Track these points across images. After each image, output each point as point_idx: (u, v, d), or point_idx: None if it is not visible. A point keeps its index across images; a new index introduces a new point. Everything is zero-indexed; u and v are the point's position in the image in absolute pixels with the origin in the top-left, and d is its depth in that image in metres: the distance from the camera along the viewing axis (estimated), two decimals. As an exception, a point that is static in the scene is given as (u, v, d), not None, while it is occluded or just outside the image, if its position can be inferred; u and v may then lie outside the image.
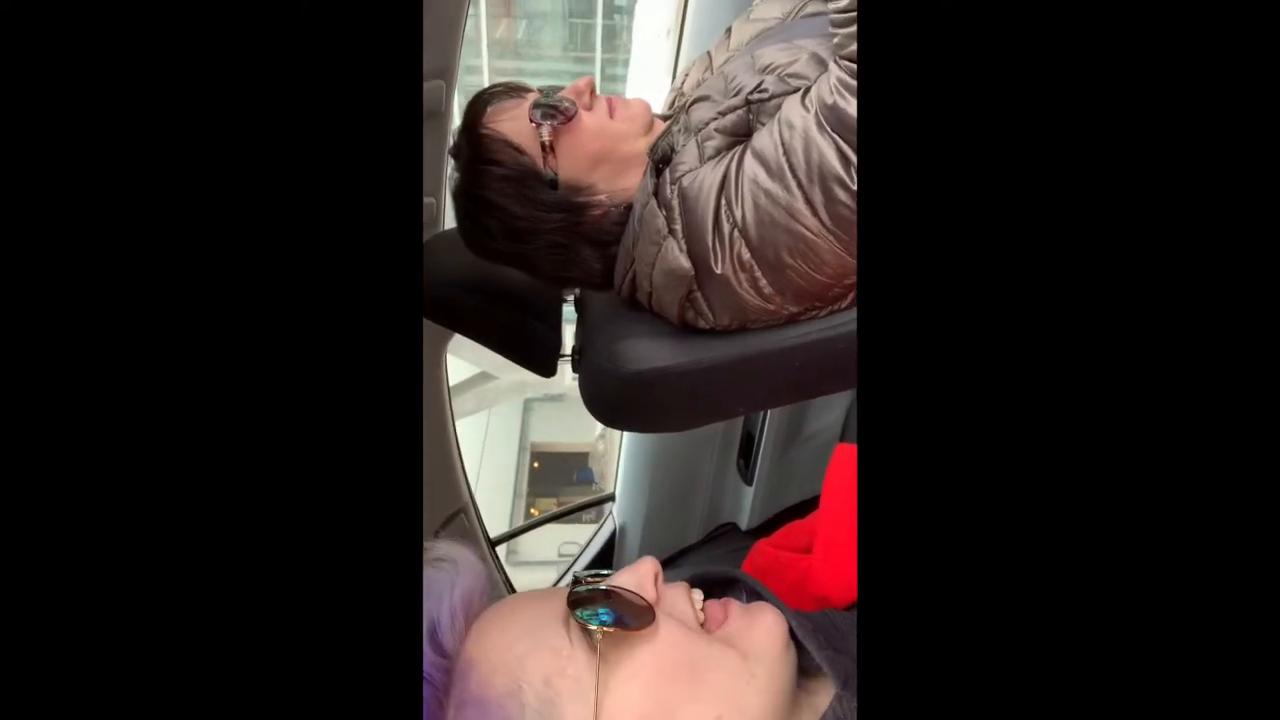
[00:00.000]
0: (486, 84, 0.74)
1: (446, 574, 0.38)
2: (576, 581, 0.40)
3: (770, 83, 0.62)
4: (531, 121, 0.67)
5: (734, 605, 0.39)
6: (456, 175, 0.71)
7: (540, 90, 0.70)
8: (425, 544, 0.38)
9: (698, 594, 0.40)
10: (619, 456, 1.50)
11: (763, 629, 0.37)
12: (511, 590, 1.28)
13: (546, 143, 0.66)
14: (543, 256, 0.69)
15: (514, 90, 0.71)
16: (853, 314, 0.65)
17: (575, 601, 0.37)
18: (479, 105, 0.70)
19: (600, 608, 0.36)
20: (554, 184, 0.67)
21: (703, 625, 0.38)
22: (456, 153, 0.71)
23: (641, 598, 0.37)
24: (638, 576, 0.39)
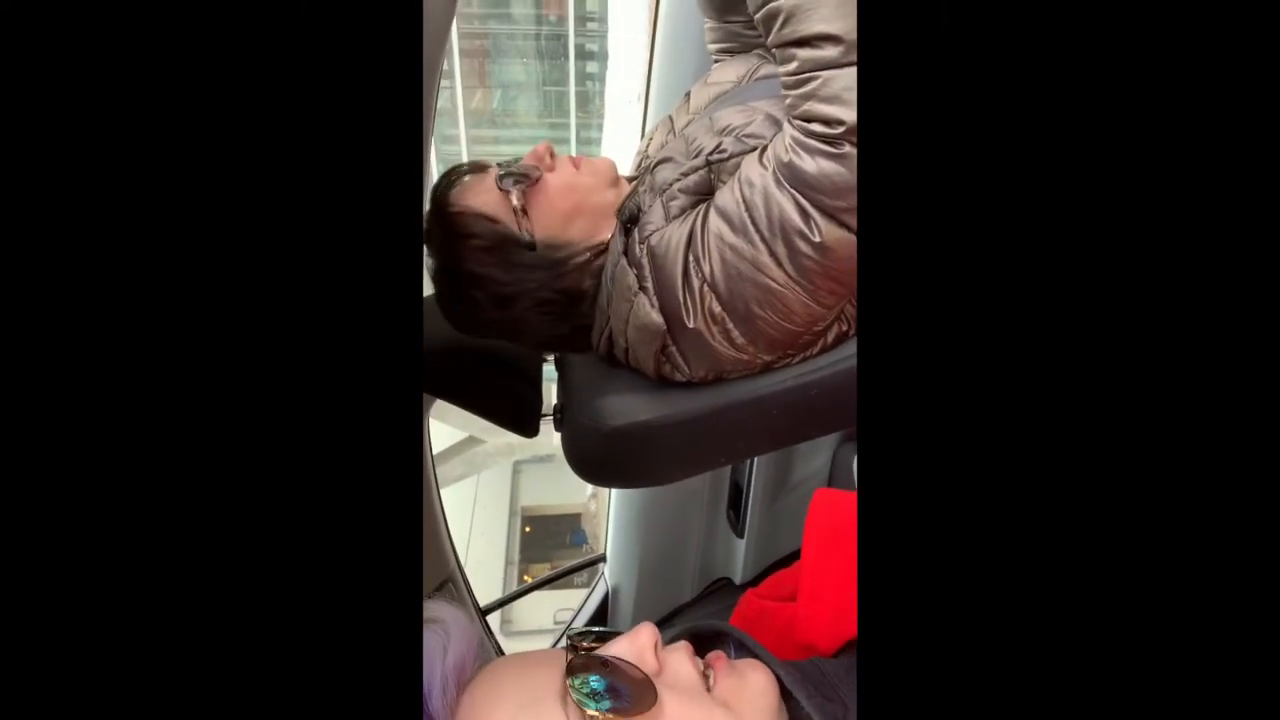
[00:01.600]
0: (465, 152, 0.76)
1: (438, 638, 0.37)
2: (572, 645, 0.38)
3: (729, 143, 0.65)
4: (500, 190, 0.69)
5: (722, 662, 0.38)
6: (432, 258, 0.72)
7: (499, 164, 0.73)
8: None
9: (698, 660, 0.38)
10: (608, 516, 1.48)
11: (755, 690, 0.37)
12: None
13: (518, 207, 0.68)
14: (531, 319, 0.70)
15: (474, 169, 0.73)
16: (823, 360, 0.66)
17: (572, 669, 0.36)
18: (444, 188, 0.72)
19: (598, 679, 0.35)
20: (532, 245, 0.69)
21: (707, 682, 0.37)
22: (429, 237, 0.72)
23: (641, 671, 0.36)
24: (637, 647, 0.37)
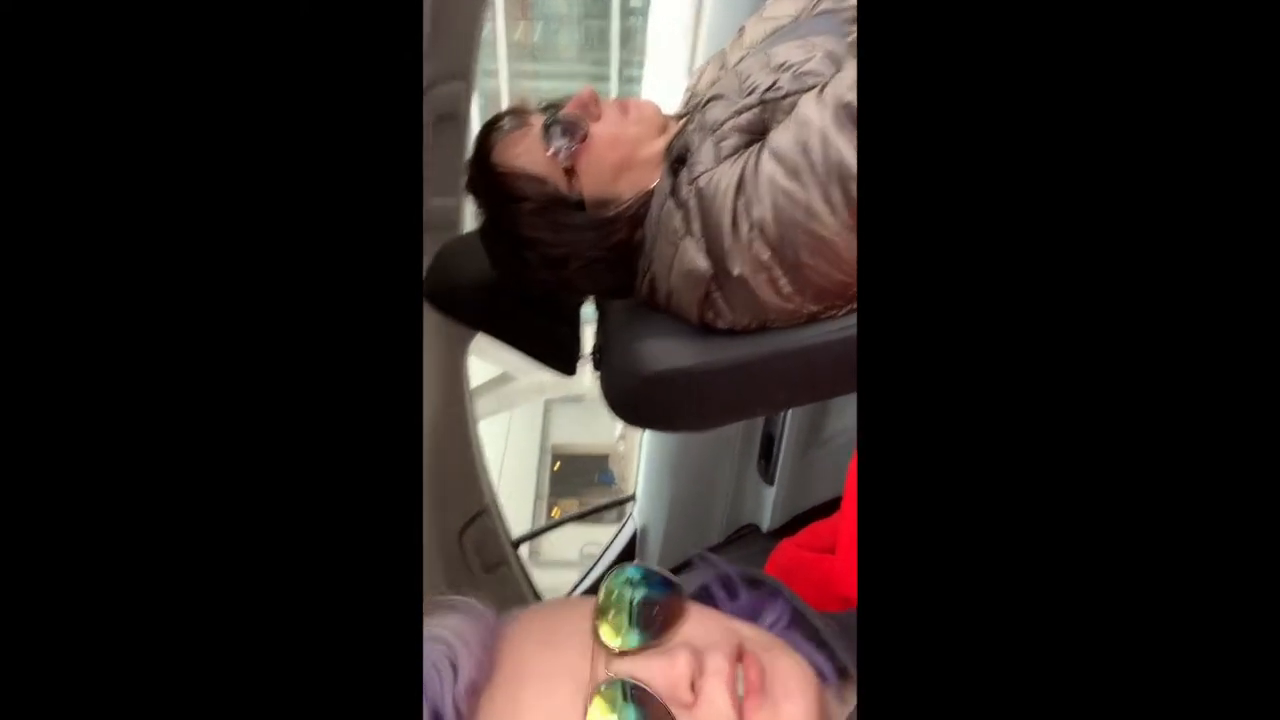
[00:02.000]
0: (504, 87, 0.74)
1: (445, 657, 0.34)
2: (599, 642, 0.35)
3: (785, 80, 0.62)
4: (548, 148, 0.67)
5: (757, 697, 0.34)
6: (480, 216, 0.71)
7: (542, 110, 0.70)
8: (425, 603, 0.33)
9: (738, 667, 0.34)
10: (639, 458, 1.50)
11: None
12: (533, 589, 1.29)
13: (567, 167, 0.66)
14: (584, 276, 0.70)
15: (517, 115, 0.71)
16: (873, 312, 0.65)
17: (597, 693, 0.33)
18: (487, 142, 0.70)
19: (624, 711, 0.33)
20: (581, 204, 0.67)
21: (741, 703, 0.34)
22: (474, 190, 0.71)
23: (670, 713, 0.33)
24: (672, 678, 0.34)
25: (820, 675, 0.38)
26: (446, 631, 0.35)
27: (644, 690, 0.34)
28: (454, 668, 0.34)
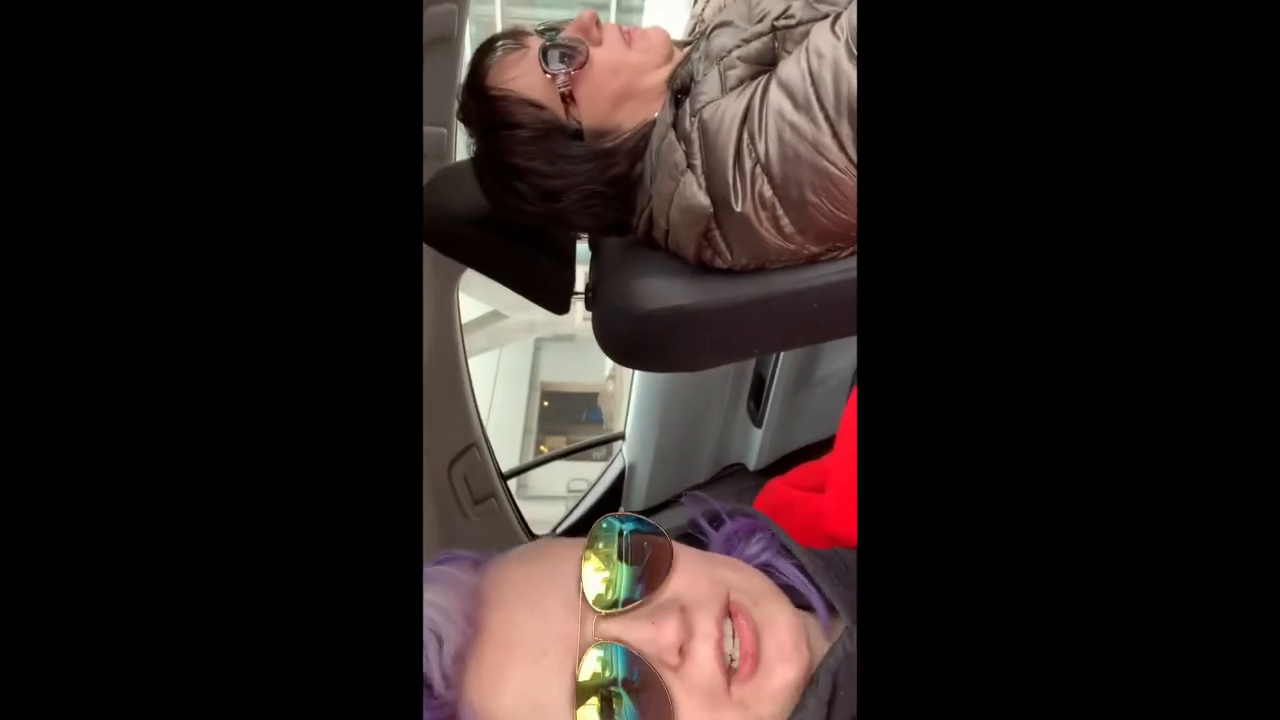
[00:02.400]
0: (498, 12, 0.71)
1: (428, 629, 0.34)
2: (586, 602, 0.35)
3: (798, 8, 0.59)
4: (545, 73, 0.64)
5: (750, 663, 0.34)
6: (473, 143, 0.68)
7: (540, 32, 0.67)
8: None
9: (727, 624, 0.34)
10: (629, 396, 1.50)
11: (777, 687, 0.34)
12: (524, 525, 1.31)
13: (565, 93, 0.63)
14: (580, 210, 0.67)
15: (514, 38, 0.67)
16: (874, 255, 0.64)
17: (585, 657, 0.34)
18: (482, 65, 0.66)
19: (614, 685, 0.33)
20: (579, 134, 0.65)
21: (730, 668, 0.34)
22: (466, 116, 0.68)
23: (660, 679, 0.34)
24: (660, 644, 0.34)
25: (806, 607, 0.39)
26: (426, 603, 0.34)
27: (632, 653, 0.34)
28: (438, 638, 0.34)
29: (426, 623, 0.34)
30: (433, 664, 0.33)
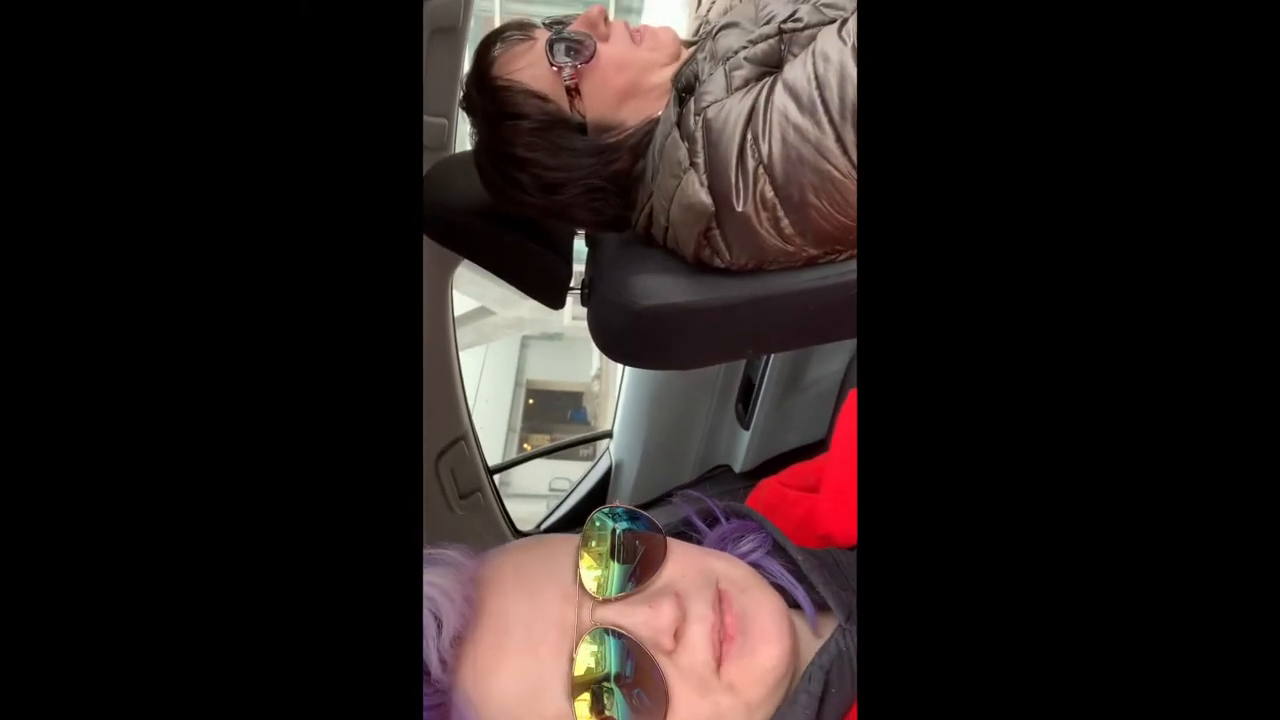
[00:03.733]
0: (498, 7, 0.70)
1: (428, 610, 0.34)
2: (583, 589, 0.35)
3: (805, 11, 0.60)
4: (551, 65, 0.64)
5: (734, 642, 0.35)
6: (476, 133, 0.68)
7: (547, 25, 0.67)
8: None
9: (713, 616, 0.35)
10: (618, 394, 1.50)
11: (764, 668, 0.34)
12: (509, 521, 1.30)
13: (571, 86, 0.63)
14: (580, 204, 0.67)
15: (521, 29, 0.67)
16: (871, 260, 0.64)
17: (582, 641, 0.34)
18: (488, 52, 0.66)
19: (608, 680, 0.33)
20: (582, 128, 0.65)
21: (718, 659, 0.34)
22: (470, 106, 0.67)
23: (656, 665, 0.34)
24: (656, 627, 0.34)
25: (796, 606, 0.39)
26: (427, 584, 0.34)
27: (628, 638, 0.34)
28: (437, 620, 0.34)
29: (426, 603, 0.34)
30: (431, 647, 0.33)
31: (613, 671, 0.34)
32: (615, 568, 0.36)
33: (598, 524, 0.38)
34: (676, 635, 0.34)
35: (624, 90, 0.65)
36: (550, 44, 0.64)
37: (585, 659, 0.34)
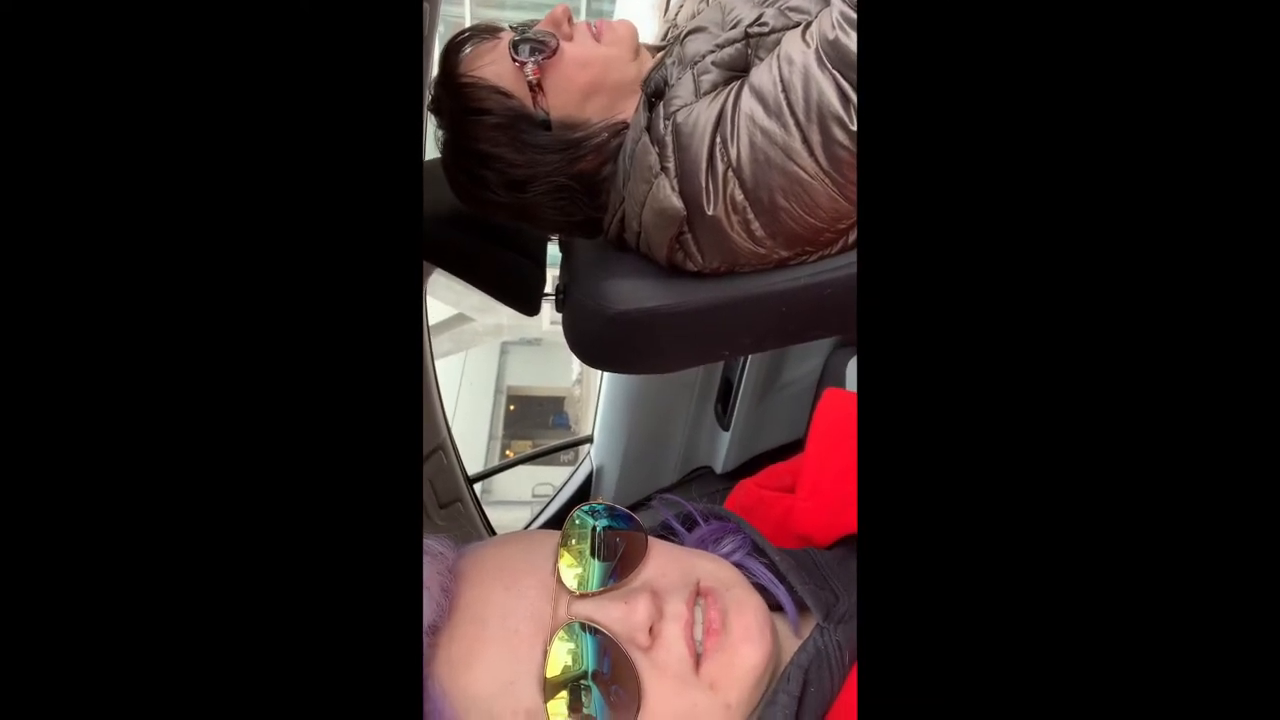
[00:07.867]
0: (468, 13, 0.70)
1: None
2: (560, 583, 0.35)
3: (770, 16, 0.60)
4: (514, 61, 0.64)
5: (716, 636, 0.35)
6: (441, 132, 0.68)
7: (513, 28, 0.67)
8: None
9: (698, 610, 0.35)
10: (598, 399, 1.50)
11: (745, 668, 0.34)
12: (490, 529, 1.29)
13: (533, 81, 0.64)
14: (545, 203, 0.67)
15: (487, 32, 0.68)
16: (842, 260, 0.65)
17: (557, 635, 0.34)
18: (454, 53, 0.67)
19: (585, 679, 0.33)
20: (547, 124, 0.65)
21: (698, 652, 0.34)
22: (437, 107, 0.67)
23: (631, 662, 0.34)
24: (631, 623, 0.34)
25: (777, 607, 0.39)
26: None
27: (603, 633, 0.34)
28: None
29: None
30: None
31: (589, 668, 0.34)
32: (595, 564, 0.36)
33: (578, 521, 0.38)
34: (652, 632, 0.34)
35: (587, 87, 0.65)
36: (514, 43, 0.64)
37: (561, 654, 0.34)
